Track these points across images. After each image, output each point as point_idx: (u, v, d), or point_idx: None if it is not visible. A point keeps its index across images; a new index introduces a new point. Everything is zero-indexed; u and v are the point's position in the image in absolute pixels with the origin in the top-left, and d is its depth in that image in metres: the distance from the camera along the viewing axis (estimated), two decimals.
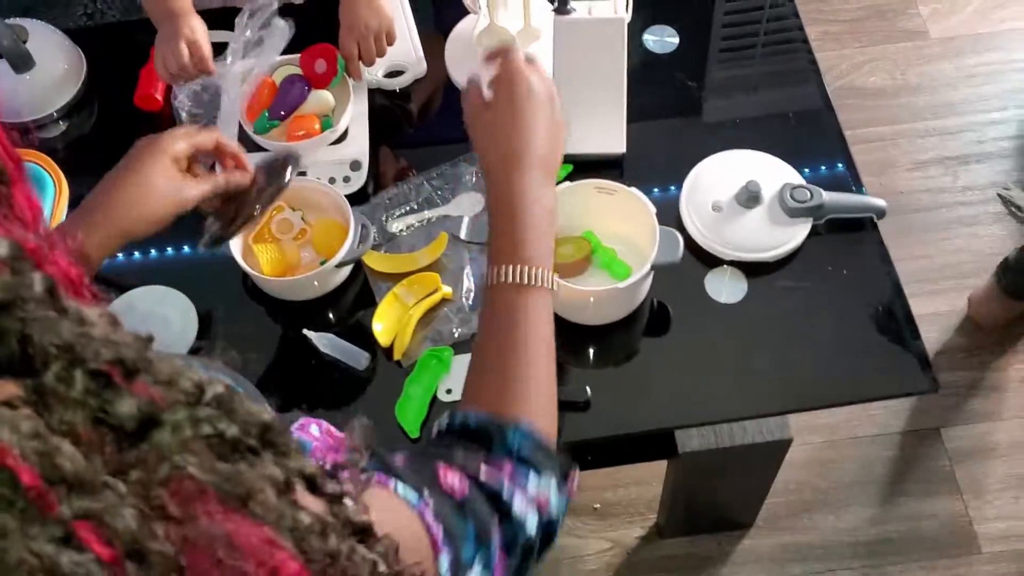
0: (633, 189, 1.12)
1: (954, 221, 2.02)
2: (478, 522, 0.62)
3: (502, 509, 0.64)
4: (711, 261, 1.19)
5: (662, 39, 1.40)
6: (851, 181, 1.25)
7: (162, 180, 0.92)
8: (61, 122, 1.41)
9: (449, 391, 1.12)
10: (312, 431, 0.57)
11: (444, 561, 0.58)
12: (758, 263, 1.18)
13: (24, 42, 1.34)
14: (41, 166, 1.13)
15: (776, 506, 1.69)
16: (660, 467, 1.53)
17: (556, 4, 1.17)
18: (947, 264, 1.96)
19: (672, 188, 1.24)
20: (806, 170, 1.24)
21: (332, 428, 0.59)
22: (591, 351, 1.17)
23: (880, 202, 1.20)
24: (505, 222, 0.81)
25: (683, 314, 1.18)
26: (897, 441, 1.79)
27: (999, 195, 2.04)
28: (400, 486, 0.58)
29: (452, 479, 0.63)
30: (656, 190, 1.24)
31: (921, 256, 1.95)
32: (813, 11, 2.43)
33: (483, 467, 0.66)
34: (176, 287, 1.19)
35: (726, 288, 1.18)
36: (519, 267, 0.77)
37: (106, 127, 1.41)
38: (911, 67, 2.31)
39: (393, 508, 0.57)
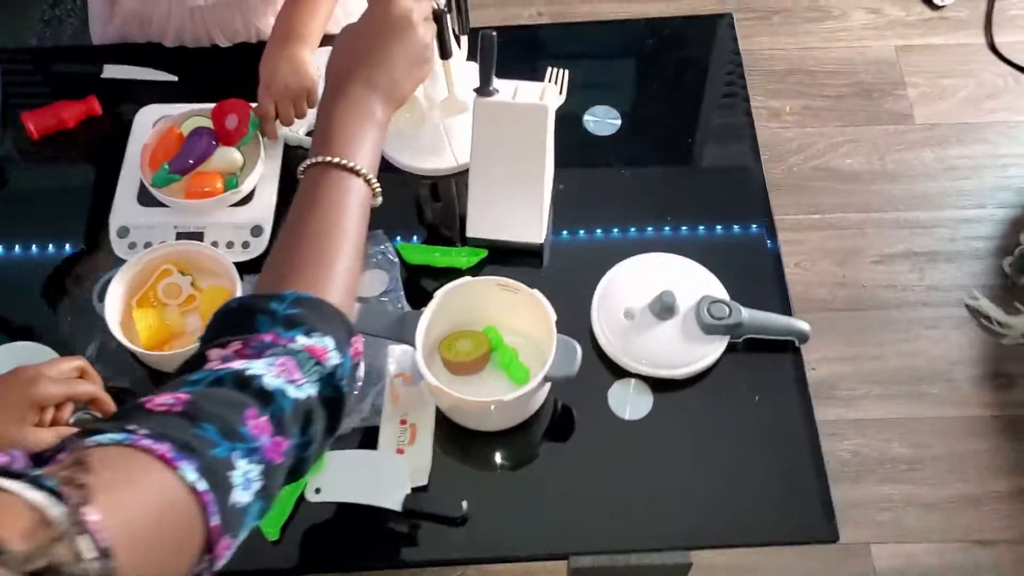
0: (535, 292, 1.05)
1: (915, 322, 1.95)
2: (216, 419, 0.60)
3: (253, 388, 0.63)
4: (617, 371, 1.12)
5: (603, 120, 1.33)
6: (779, 299, 1.17)
7: (11, 425, 0.93)
8: None
9: (318, 490, 1.04)
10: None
11: (188, 471, 0.55)
12: (665, 379, 1.10)
13: None
14: None
15: None
16: None
17: (479, 84, 1.10)
18: (902, 367, 1.88)
19: (589, 287, 1.16)
20: (730, 282, 1.16)
21: None
22: (477, 458, 1.10)
23: (803, 326, 1.12)
24: (324, 127, 0.80)
25: (582, 424, 1.10)
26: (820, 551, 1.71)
27: (966, 305, 1.96)
28: (104, 437, 0.55)
29: (162, 398, 0.61)
30: (572, 288, 1.17)
31: (875, 356, 1.88)
32: (797, 83, 2.37)
33: (218, 351, 0.65)
34: (48, 342, 1.13)
35: (630, 402, 1.10)
36: (330, 157, 0.77)
37: (24, 155, 1.34)
38: (891, 152, 2.24)
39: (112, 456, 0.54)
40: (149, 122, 1.27)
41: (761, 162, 1.29)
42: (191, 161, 1.18)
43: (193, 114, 1.22)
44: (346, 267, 0.75)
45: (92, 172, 1.31)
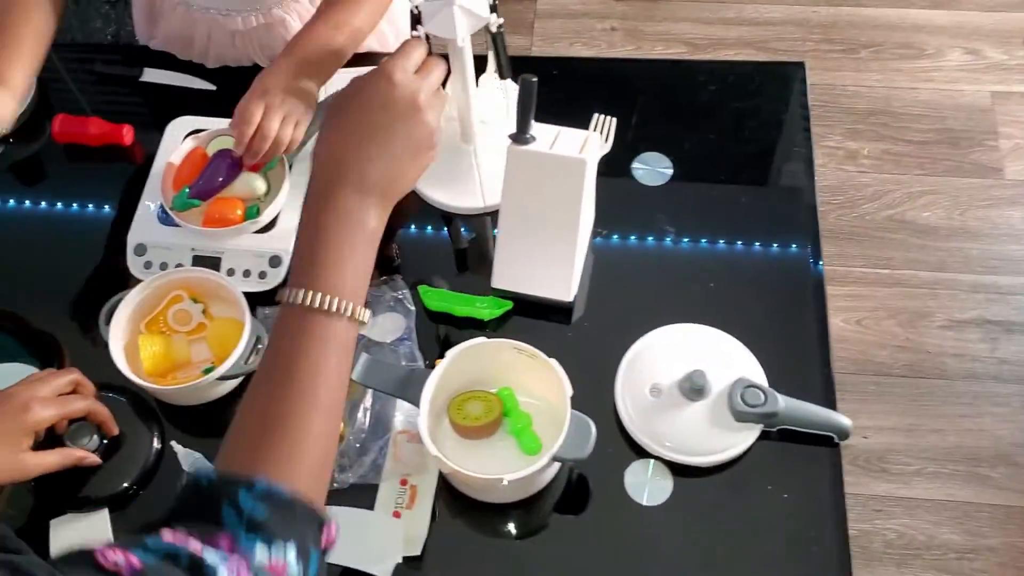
0: (553, 361, 0.97)
1: (981, 396, 1.81)
2: None
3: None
4: (638, 450, 1.04)
5: (654, 169, 1.25)
6: (822, 386, 1.07)
7: (6, 453, 0.93)
8: (5, 142, 1.31)
9: None
10: None
11: None
12: (689, 465, 1.02)
13: None
14: None
15: None
16: None
17: (516, 129, 1.03)
18: (962, 445, 1.75)
19: (617, 354, 1.08)
20: (769, 362, 1.07)
21: None
22: (478, 527, 1.03)
23: (845, 421, 1.02)
24: (310, 240, 0.73)
25: (596, 502, 1.02)
26: None
27: None
28: None
29: (114, 555, 0.56)
30: (599, 353, 1.09)
31: (933, 430, 1.76)
32: (879, 125, 2.24)
33: (190, 538, 0.60)
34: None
35: (648, 486, 1.02)
36: (311, 292, 0.70)
37: (51, 156, 1.32)
38: (973, 208, 2.10)
39: None
40: (180, 135, 1.23)
41: (819, 235, 1.19)
42: (213, 185, 1.13)
43: (220, 134, 1.17)
44: (323, 431, 0.70)
45: (119, 183, 1.27)
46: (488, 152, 1.20)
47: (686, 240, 1.19)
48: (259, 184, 1.14)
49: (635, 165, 1.25)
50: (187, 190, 1.12)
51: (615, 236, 1.19)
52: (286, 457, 0.67)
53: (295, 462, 0.68)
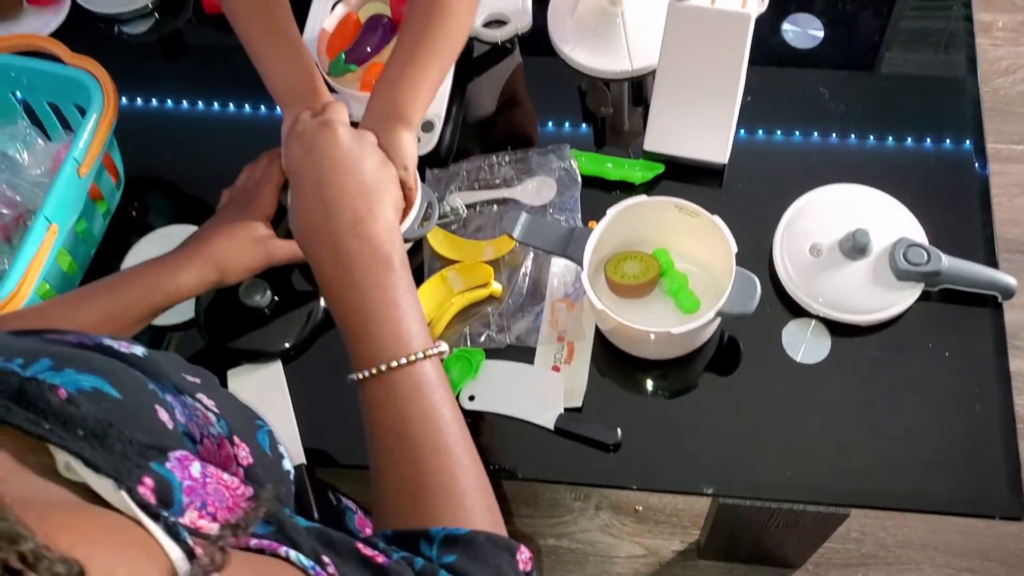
0: (716, 218, 0.97)
1: None
2: None
3: None
4: (795, 310, 1.04)
5: (805, 31, 1.22)
6: (984, 248, 1.06)
7: (254, 241, 0.94)
8: (153, 16, 1.34)
9: (472, 398, 1.03)
10: (192, 470, 0.49)
11: None
12: (848, 323, 1.02)
13: None
14: (92, 74, 1.06)
15: (832, 552, 1.55)
16: None
17: None
18: None
19: (772, 216, 1.08)
20: (930, 221, 1.05)
21: (224, 477, 0.51)
22: (633, 383, 1.05)
23: (1009, 280, 1.01)
24: (341, 317, 0.75)
25: (749, 361, 1.04)
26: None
27: None
28: (293, 553, 0.50)
29: (370, 551, 0.55)
30: (754, 216, 1.09)
31: None
32: None
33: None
34: None
35: (806, 344, 1.03)
36: (382, 365, 0.71)
37: (199, 26, 1.34)
38: None
39: (280, 573, 0.50)
40: (326, 4, 1.23)
41: (979, 87, 1.15)
42: (367, 51, 1.14)
43: (369, 0, 1.18)
44: (466, 465, 0.68)
45: None
46: (634, 13, 1.18)
47: (842, 104, 1.17)
48: None
49: (785, 26, 1.22)
50: (343, 56, 1.14)
51: (765, 99, 1.18)
52: (451, 508, 0.66)
53: (462, 509, 0.66)
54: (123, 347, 0.58)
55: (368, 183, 0.80)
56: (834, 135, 1.15)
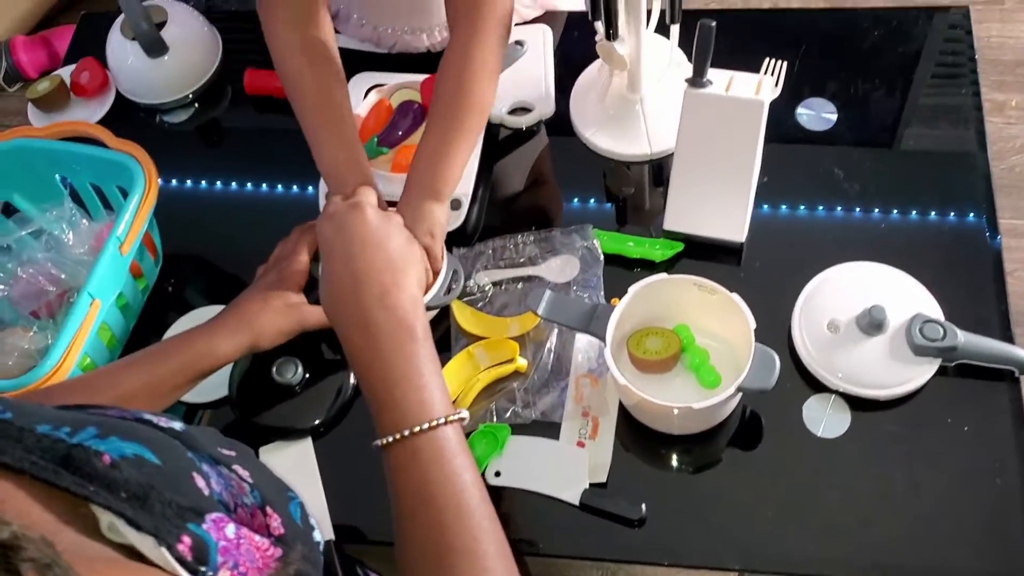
0: (734, 296, 1.00)
1: None
2: None
3: None
4: (815, 385, 1.06)
5: (819, 114, 1.26)
6: (999, 323, 1.08)
7: (287, 306, 0.97)
8: (193, 105, 1.41)
9: (498, 474, 1.04)
10: (227, 532, 0.52)
11: None
12: (867, 398, 1.04)
13: (162, 24, 1.34)
14: (135, 158, 1.11)
15: None
16: None
17: (692, 73, 1.06)
18: None
19: (790, 293, 1.11)
20: (944, 298, 1.08)
21: (256, 539, 0.53)
22: (658, 458, 1.07)
23: None
24: (367, 385, 0.79)
25: (771, 436, 1.05)
26: None
27: None
28: None
29: None
30: (771, 293, 1.11)
31: None
32: None
33: None
34: None
35: (826, 419, 1.05)
36: (406, 431, 0.74)
37: (235, 114, 1.41)
38: None
39: None
40: (359, 91, 1.29)
41: (989, 162, 1.19)
42: (399, 134, 1.19)
43: (402, 87, 1.23)
44: (486, 529, 0.71)
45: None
46: (653, 100, 1.23)
47: (854, 182, 1.20)
48: None
49: (800, 110, 1.26)
50: (375, 139, 1.19)
51: (782, 179, 1.21)
52: (474, 570, 0.69)
53: (484, 571, 0.69)
54: (162, 422, 0.61)
55: (394, 259, 0.86)
56: (850, 213, 1.18)
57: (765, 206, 1.19)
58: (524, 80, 1.23)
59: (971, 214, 1.17)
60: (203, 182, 1.35)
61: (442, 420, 0.75)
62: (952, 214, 1.17)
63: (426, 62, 1.33)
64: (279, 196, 1.32)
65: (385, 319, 0.81)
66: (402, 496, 0.74)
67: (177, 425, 0.62)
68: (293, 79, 1.06)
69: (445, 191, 1.02)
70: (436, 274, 1.00)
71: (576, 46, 1.37)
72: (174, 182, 1.34)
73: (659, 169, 1.25)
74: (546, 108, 1.29)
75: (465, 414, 0.78)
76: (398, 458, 0.75)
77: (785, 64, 1.16)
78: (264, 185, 1.33)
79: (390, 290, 0.83)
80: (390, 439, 0.75)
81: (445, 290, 1.08)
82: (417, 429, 0.74)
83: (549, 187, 1.29)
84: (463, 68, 1.04)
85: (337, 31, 1.39)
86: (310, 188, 1.30)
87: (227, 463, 0.62)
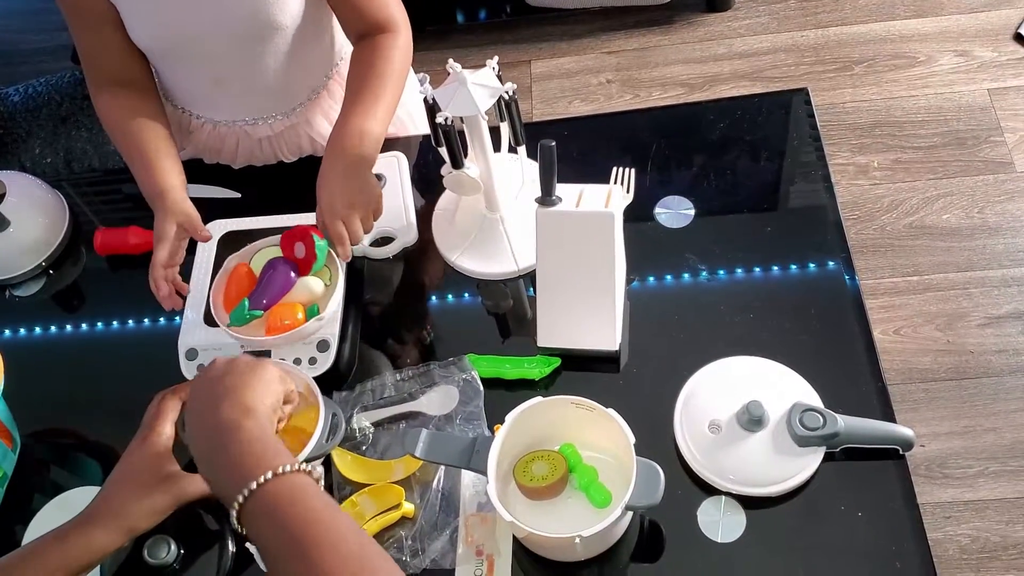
0: (611, 412, 0.98)
1: None
2: None
3: None
4: (707, 488, 1.04)
5: (676, 212, 1.27)
6: (878, 399, 1.08)
7: (159, 481, 0.93)
8: (47, 274, 1.35)
9: None
10: None
11: None
12: (758, 496, 1.02)
13: (1, 196, 1.29)
14: None
15: None
16: None
17: (540, 193, 1.05)
18: (1019, 440, 1.74)
19: (669, 396, 1.10)
20: (821, 383, 1.08)
21: None
22: None
23: (907, 432, 1.03)
24: (214, 475, 0.79)
25: (672, 546, 1.03)
26: None
27: None
28: None
29: None
30: (652, 399, 1.10)
31: (988, 429, 1.75)
32: (884, 136, 2.27)
33: None
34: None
35: (722, 523, 1.02)
36: (253, 484, 0.73)
37: (92, 276, 1.36)
38: (990, 204, 2.11)
39: None
40: (214, 238, 1.26)
41: (849, 249, 1.20)
42: (274, 295, 1.14)
43: (259, 248, 1.20)
44: (373, 556, 0.70)
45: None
46: (514, 217, 1.23)
47: (720, 274, 1.21)
48: (318, 286, 1.16)
49: (658, 210, 1.27)
50: (246, 303, 1.14)
51: (649, 280, 1.22)
52: None
53: None
54: None
55: (255, 385, 0.86)
56: (718, 307, 1.18)
57: (636, 310, 1.19)
58: (384, 210, 1.21)
59: (836, 295, 1.18)
60: (60, 351, 1.29)
61: (295, 467, 0.74)
62: (818, 298, 1.18)
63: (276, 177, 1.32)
64: (142, 354, 1.26)
65: (239, 422, 0.80)
66: (271, 547, 0.71)
67: None
68: (113, 123, 1.24)
69: (379, 115, 1.17)
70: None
71: (432, 168, 1.36)
72: (29, 357, 1.27)
73: (533, 281, 1.24)
74: (408, 236, 1.28)
75: (320, 471, 0.76)
76: (256, 512, 0.73)
77: (633, 171, 1.17)
78: (125, 347, 1.28)
79: (243, 395, 0.83)
80: (241, 499, 0.73)
81: (326, 437, 1.04)
82: (269, 475, 0.73)
83: (421, 316, 1.26)
84: (372, 49, 1.22)
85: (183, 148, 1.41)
86: (171, 349, 1.24)
87: None
